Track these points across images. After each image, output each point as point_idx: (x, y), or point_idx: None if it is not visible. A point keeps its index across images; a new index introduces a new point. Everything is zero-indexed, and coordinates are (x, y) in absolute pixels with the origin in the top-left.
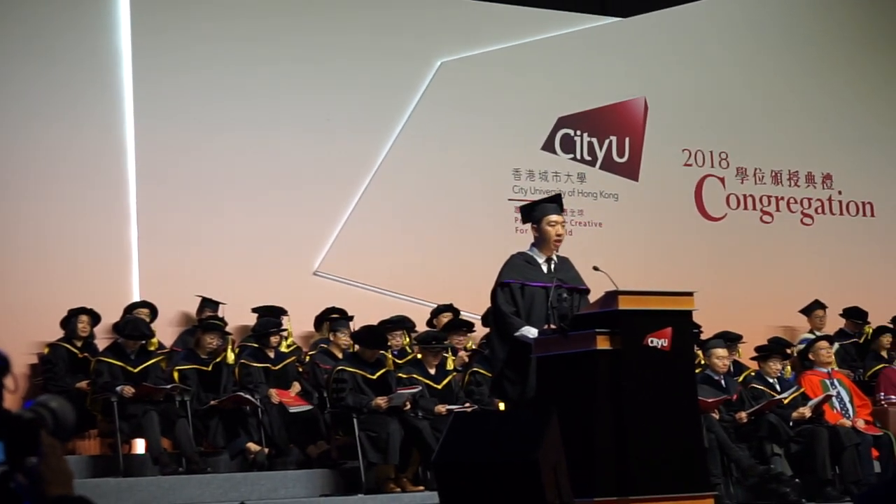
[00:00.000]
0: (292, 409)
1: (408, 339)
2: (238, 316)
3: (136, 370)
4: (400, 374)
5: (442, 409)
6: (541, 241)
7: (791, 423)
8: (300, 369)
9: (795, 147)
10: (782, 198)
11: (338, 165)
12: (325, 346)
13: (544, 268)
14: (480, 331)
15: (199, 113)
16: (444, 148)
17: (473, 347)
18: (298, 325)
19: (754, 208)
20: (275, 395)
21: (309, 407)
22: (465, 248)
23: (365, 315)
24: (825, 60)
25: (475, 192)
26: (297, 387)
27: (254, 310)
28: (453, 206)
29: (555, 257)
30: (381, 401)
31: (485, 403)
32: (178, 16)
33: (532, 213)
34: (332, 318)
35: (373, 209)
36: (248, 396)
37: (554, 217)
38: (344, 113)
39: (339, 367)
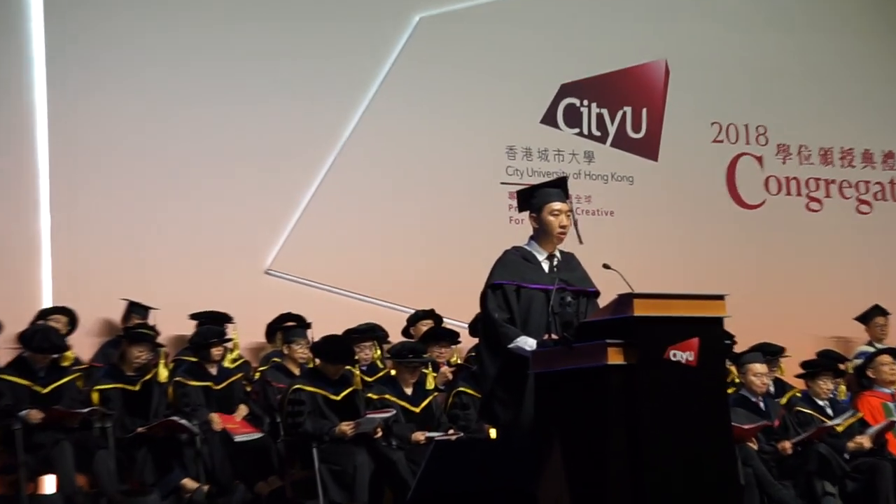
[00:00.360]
0: (238, 438)
1: (379, 352)
2: (172, 324)
3: (45, 390)
4: (370, 395)
5: (420, 436)
6: (541, 234)
7: (847, 456)
8: (248, 389)
9: (849, 120)
10: (833, 181)
11: (295, 143)
12: (279, 360)
13: (545, 266)
14: (467, 342)
15: (127, 80)
16: (424, 122)
17: (459, 362)
18: (246, 334)
19: (799, 194)
20: (217, 420)
21: (258, 435)
22: (449, 242)
23: (327, 323)
24: (883, 17)
25: (461, 174)
26: (243, 410)
27: (192, 316)
28: (434, 191)
29: (557, 253)
30: (346, 427)
31: (472, 430)
32: None
33: (531, 199)
34: (286, 327)
35: (337, 195)
36: (183, 422)
37: (557, 205)
38: (302, 80)
39: (296, 386)
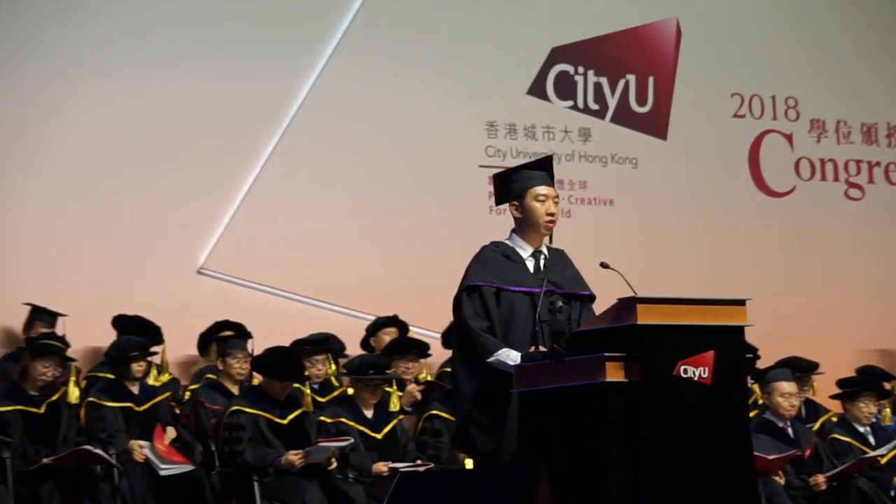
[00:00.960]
0: (164, 470)
1: (333, 368)
2: (85, 333)
3: None
4: (322, 418)
5: (382, 467)
6: (525, 226)
7: (893, 493)
8: (177, 411)
9: None
10: (878, 163)
11: (232, 120)
12: (214, 376)
13: (530, 265)
14: (439, 355)
15: (31, 43)
16: (386, 94)
17: (429, 379)
18: (175, 346)
19: (836, 179)
20: (139, 448)
21: (189, 467)
22: (418, 237)
23: (271, 332)
24: None
25: (431, 156)
26: (171, 435)
27: (113, 323)
28: (400, 176)
29: (545, 250)
30: (294, 456)
31: (444, 460)
32: None
33: (510, 185)
34: (222, 337)
35: (283, 180)
36: (98, 451)
37: (543, 189)
38: (240, 46)
39: (234, 408)
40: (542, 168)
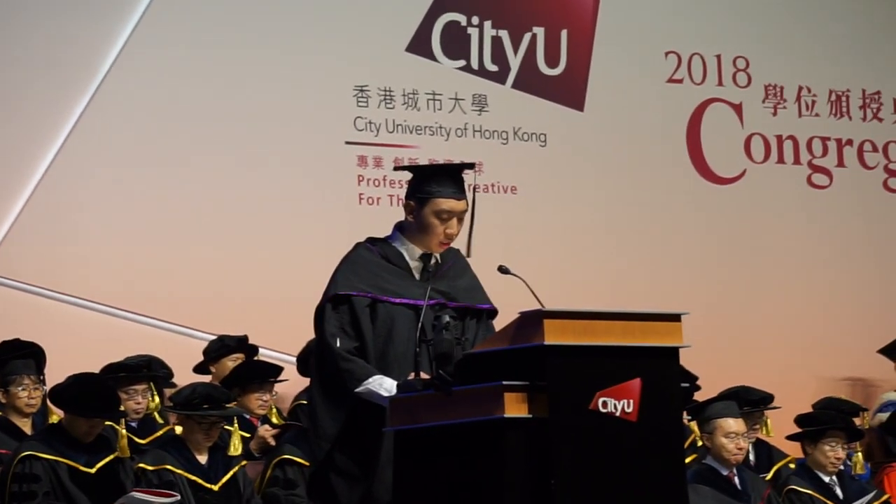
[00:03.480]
0: None
1: (157, 400)
2: None
3: None
4: (141, 465)
5: None
6: (415, 232)
7: None
8: None
9: (874, 50)
10: (849, 141)
11: (24, 82)
12: None
13: (416, 271)
14: (295, 384)
15: None
16: (226, 49)
17: (276, 413)
18: None
19: (797, 161)
20: None
21: None
22: (266, 233)
23: (74, 353)
24: None
25: (282, 130)
26: None
27: None
28: (242, 155)
29: (436, 255)
30: None
31: None
32: None
33: (419, 184)
34: (8, 359)
35: (90, 160)
36: None
37: (447, 205)
38: None
39: (26, 453)
40: (455, 177)
